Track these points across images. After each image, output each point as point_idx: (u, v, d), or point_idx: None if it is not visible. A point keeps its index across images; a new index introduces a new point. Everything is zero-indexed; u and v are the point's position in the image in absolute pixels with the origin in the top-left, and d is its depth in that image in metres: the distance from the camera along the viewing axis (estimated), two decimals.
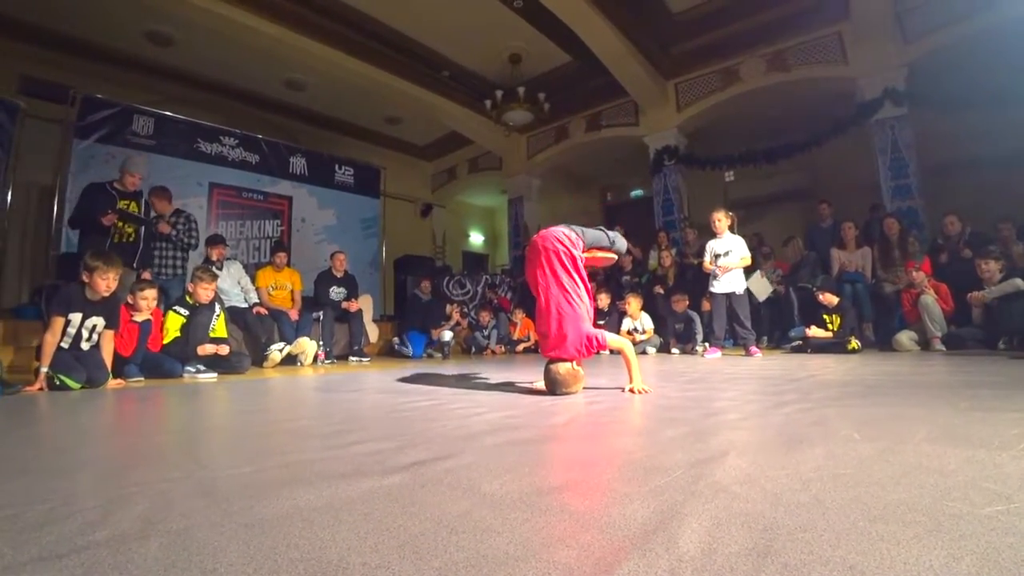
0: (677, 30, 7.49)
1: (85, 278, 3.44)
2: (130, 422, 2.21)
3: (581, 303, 2.51)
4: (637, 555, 0.67)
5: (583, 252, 2.61)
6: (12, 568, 0.68)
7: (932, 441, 1.27)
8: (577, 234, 2.61)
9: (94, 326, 3.52)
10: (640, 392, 2.42)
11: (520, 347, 7.51)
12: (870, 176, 6.97)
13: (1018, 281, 4.66)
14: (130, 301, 4.02)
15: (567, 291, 2.49)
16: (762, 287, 6.25)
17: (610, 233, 2.75)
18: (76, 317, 3.43)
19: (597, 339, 2.46)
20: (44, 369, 3.21)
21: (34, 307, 5.36)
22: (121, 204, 4.73)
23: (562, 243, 2.54)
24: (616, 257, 2.72)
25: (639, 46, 7.42)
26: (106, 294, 3.50)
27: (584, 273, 2.60)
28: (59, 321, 3.35)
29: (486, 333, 7.68)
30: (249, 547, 0.73)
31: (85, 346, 3.50)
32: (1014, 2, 5.75)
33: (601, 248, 2.70)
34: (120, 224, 4.69)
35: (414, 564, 0.66)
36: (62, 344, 3.37)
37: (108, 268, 3.47)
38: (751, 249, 5.50)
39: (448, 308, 7.48)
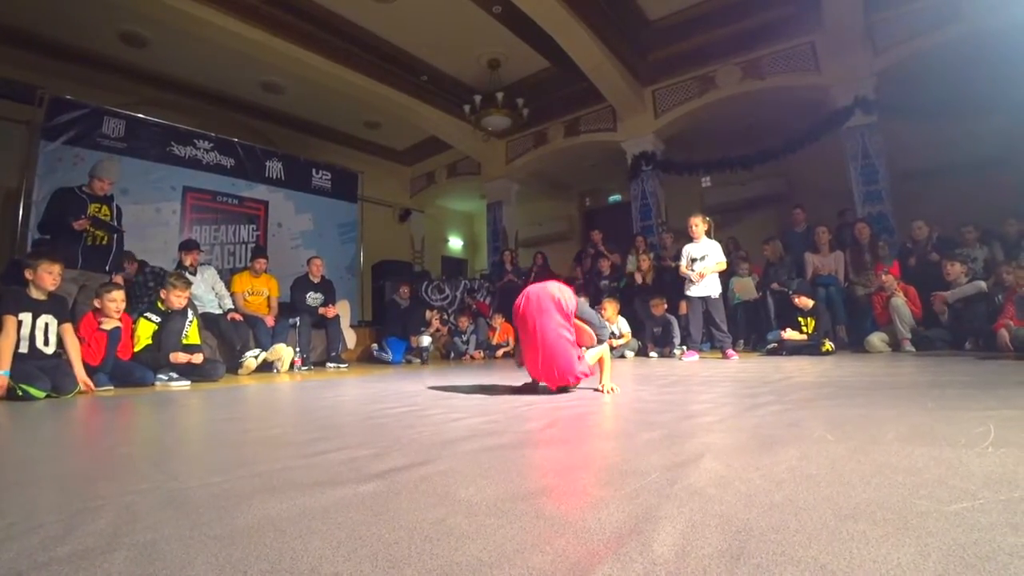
0: (654, 37, 7.59)
1: (29, 275, 3.40)
2: (97, 433, 2.15)
3: (572, 344, 2.66)
4: (612, 559, 0.67)
5: (575, 317, 2.74)
6: None
7: (901, 440, 1.29)
8: (570, 297, 2.73)
9: (46, 324, 3.44)
10: (610, 391, 2.61)
11: (499, 352, 7.49)
12: (842, 182, 7.13)
13: (980, 283, 4.82)
14: (97, 305, 3.92)
15: (562, 326, 2.64)
16: (747, 288, 6.36)
17: (598, 318, 2.88)
18: (27, 317, 3.36)
19: (586, 373, 2.67)
20: (3, 372, 3.11)
21: None
22: (92, 207, 4.61)
23: (555, 298, 2.66)
24: (595, 339, 2.80)
25: (617, 53, 7.49)
26: (52, 288, 3.47)
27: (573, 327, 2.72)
28: (11, 320, 3.26)
29: (465, 338, 7.66)
30: (218, 559, 0.72)
31: (46, 349, 3.42)
32: (979, 15, 5.96)
33: (589, 323, 2.79)
34: (91, 228, 4.59)
35: (387, 573, 0.65)
36: (21, 351, 3.27)
37: (53, 262, 3.45)
38: (727, 253, 5.58)
39: (428, 314, 7.44)
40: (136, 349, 4.14)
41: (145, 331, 4.20)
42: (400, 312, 7.46)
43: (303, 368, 5.58)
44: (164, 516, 0.91)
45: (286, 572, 0.67)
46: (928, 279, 5.35)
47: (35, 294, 3.42)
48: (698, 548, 0.69)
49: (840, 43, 6.83)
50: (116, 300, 3.94)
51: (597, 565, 0.65)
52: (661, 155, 8.69)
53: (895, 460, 1.11)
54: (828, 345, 4.93)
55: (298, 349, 5.64)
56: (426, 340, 6.88)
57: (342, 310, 6.59)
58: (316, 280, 6.41)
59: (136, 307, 4.74)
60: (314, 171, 8.72)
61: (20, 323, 3.31)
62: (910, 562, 0.63)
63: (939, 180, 7.31)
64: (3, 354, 3.15)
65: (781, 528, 0.75)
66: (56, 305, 3.54)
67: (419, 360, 6.75)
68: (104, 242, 4.72)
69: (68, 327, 3.53)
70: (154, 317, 4.27)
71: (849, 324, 5.97)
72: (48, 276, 3.41)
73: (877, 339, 5.12)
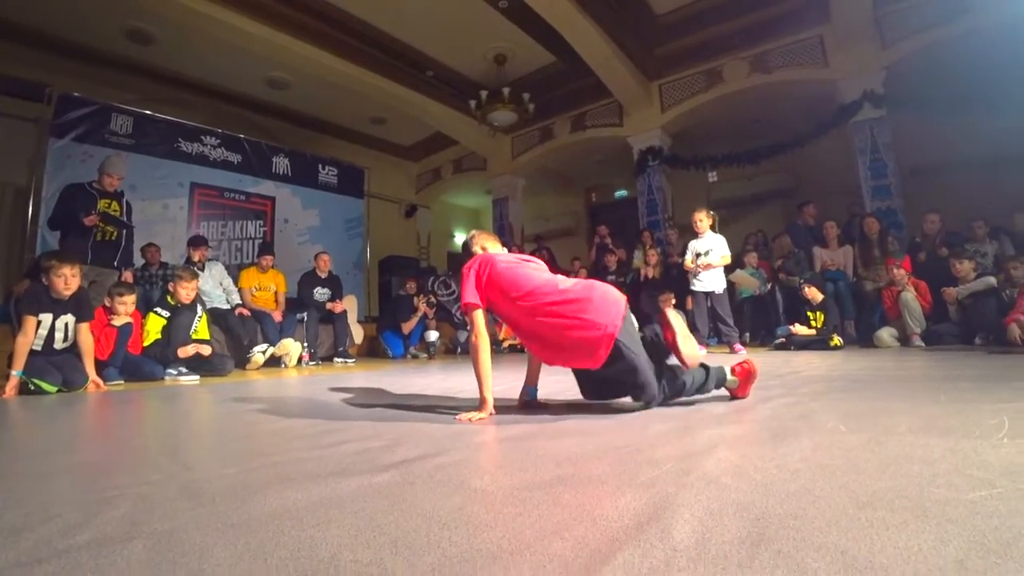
0: (661, 31, 7.54)
1: (44, 280, 3.36)
2: (110, 426, 2.17)
3: None
4: (632, 545, 0.67)
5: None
6: None
7: (916, 432, 1.29)
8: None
9: (66, 324, 3.45)
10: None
11: (505, 344, 7.48)
12: (851, 177, 7.07)
13: (990, 279, 4.78)
14: (107, 304, 3.94)
15: None
16: (744, 282, 6.30)
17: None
18: (47, 318, 3.36)
19: None
20: (16, 373, 3.13)
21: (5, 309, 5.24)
22: (102, 203, 4.64)
23: None
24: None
25: (623, 47, 7.45)
26: (67, 291, 3.38)
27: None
28: (31, 321, 3.27)
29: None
30: (236, 547, 0.72)
31: (59, 346, 3.43)
32: (990, 9, 5.88)
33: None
34: (101, 224, 4.62)
35: (407, 560, 0.65)
36: (34, 347, 3.28)
37: (62, 264, 3.37)
38: (744, 248, 5.54)
39: (415, 300, 7.37)
40: (145, 344, 4.16)
41: (155, 326, 4.22)
42: (391, 303, 7.45)
43: (310, 363, 5.60)
44: (180, 506, 0.91)
45: (306, 560, 0.67)
46: (938, 274, 5.31)
47: (56, 294, 3.37)
48: (718, 535, 0.69)
49: (848, 36, 6.76)
50: (126, 303, 3.94)
51: (618, 551, 0.65)
52: (668, 150, 8.64)
53: (910, 451, 1.11)
54: (837, 340, 4.91)
55: (305, 344, 5.66)
56: (433, 335, 6.89)
57: (349, 305, 6.61)
58: (323, 275, 6.42)
59: (144, 298, 4.78)
60: (320, 167, 8.73)
61: (39, 323, 3.32)
62: (930, 548, 0.63)
63: (949, 176, 7.24)
64: (19, 354, 3.17)
65: (799, 515, 0.75)
66: (78, 305, 3.49)
67: (425, 355, 6.76)
68: (113, 238, 4.75)
69: (85, 326, 3.52)
70: (163, 312, 4.29)
71: (857, 319, 5.93)
72: (59, 280, 3.33)
73: (886, 334, 5.09)
